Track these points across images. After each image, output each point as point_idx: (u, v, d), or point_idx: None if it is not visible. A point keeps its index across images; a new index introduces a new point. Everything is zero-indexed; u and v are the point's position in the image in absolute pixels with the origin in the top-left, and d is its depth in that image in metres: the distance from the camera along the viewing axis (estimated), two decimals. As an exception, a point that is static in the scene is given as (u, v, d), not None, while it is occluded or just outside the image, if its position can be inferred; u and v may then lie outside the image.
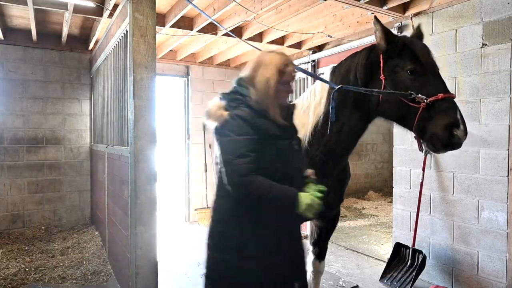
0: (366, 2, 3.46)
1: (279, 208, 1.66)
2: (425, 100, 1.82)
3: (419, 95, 1.84)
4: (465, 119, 1.87)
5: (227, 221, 1.73)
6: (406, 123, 1.97)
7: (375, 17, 2.07)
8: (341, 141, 2.28)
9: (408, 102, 1.89)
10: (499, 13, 3.11)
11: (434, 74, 1.95)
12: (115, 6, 3.77)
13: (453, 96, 1.88)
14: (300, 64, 5.62)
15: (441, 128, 1.81)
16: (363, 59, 2.17)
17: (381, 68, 2.04)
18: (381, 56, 2.06)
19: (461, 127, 1.80)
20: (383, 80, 2.03)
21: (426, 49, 2.03)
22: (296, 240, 1.84)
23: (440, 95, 1.83)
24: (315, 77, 2.60)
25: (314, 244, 2.85)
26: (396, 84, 1.97)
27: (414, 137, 2.00)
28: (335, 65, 2.43)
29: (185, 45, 5.65)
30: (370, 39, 4.38)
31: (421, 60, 1.94)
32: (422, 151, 1.94)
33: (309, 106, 2.44)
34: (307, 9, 3.86)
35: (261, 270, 1.68)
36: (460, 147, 1.85)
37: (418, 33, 2.20)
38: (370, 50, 2.19)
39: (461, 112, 1.84)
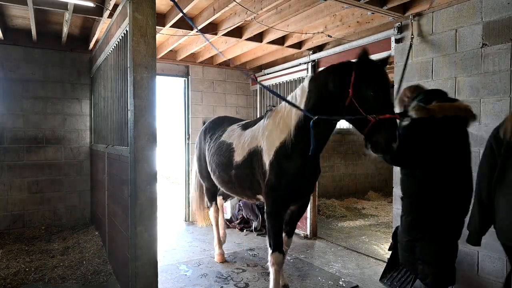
0: (366, 2, 3.46)
1: None
2: (376, 118, 2.40)
3: (374, 115, 2.41)
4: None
5: None
6: (360, 129, 2.58)
7: (364, 47, 2.67)
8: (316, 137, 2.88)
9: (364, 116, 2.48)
10: (499, 13, 3.11)
11: (387, 98, 2.51)
12: (115, 6, 3.78)
13: (397, 117, 2.46)
14: (300, 64, 5.62)
15: (383, 139, 2.38)
16: (340, 73, 2.70)
17: (351, 84, 2.58)
18: (353, 74, 2.58)
19: (397, 141, 2.35)
20: (350, 93, 2.58)
21: (385, 78, 2.58)
22: None
23: (387, 116, 2.39)
24: (283, 98, 3.21)
25: (286, 223, 3.42)
26: (360, 99, 2.54)
27: (363, 138, 2.56)
28: (313, 75, 3.02)
29: (185, 45, 5.65)
30: (370, 39, 4.38)
31: (380, 86, 2.50)
32: (367, 149, 2.58)
33: (292, 108, 3.03)
34: (307, 9, 3.86)
35: None
36: (391, 153, 2.41)
37: (384, 60, 2.73)
38: (346, 67, 2.70)
39: (398, 130, 2.41)
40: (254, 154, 3.30)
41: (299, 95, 3.01)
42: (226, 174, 3.66)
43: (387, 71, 2.70)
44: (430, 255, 2.46)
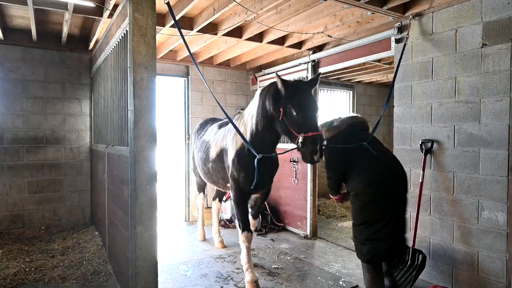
0: (366, 2, 3.46)
1: None
2: (302, 134, 2.92)
3: (302, 134, 2.93)
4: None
5: None
6: (292, 141, 3.13)
7: (276, 73, 3.18)
8: (266, 140, 3.47)
9: (294, 133, 3.00)
10: (499, 13, 3.11)
11: (311, 116, 2.98)
12: (115, 6, 3.78)
13: (319, 133, 2.94)
14: (300, 64, 5.62)
15: (307, 152, 2.94)
16: (273, 91, 3.19)
17: (282, 105, 3.07)
18: (282, 97, 3.06)
19: (318, 154, 2.88)
20: (281, 113, 3.07)
21: (309, 100, 3.02)
22: None
23: (310, 133, 2.89)
24: (232, 124, 3.54)
25: (252, 207, 4.15)
26: (288, 119, 3.03)
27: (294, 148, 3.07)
28: (263, 87, 3.47)
29: (185, 45, 5.64)
30: (370, 39, 4.39)
31: (303, 106, 2.96)
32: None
33: (250, 113, 3.59)
34: (307, 9, 3.86)
35: None
36: (317, 162, 3.05)
37: (316, 77, 3.28)
38: (278, 88, 3.14)
39: (321, 143, 2.92)
40: (223, 151, 3.91)
41: (254, 106, 3.50)
42: (205, 167, 4.31)
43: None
44: (385, 232, 2.78)
